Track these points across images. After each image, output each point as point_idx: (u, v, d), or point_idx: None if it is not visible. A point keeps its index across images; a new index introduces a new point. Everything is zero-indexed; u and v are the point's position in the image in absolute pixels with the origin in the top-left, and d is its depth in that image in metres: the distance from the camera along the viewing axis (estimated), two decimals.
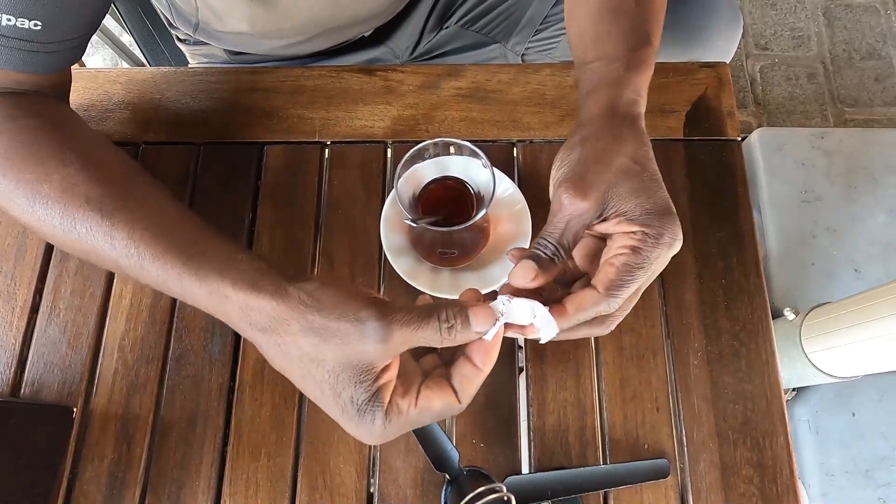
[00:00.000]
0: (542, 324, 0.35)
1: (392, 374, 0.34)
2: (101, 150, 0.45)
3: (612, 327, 0.39)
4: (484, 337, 0.34)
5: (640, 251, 0.36)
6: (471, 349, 0.34)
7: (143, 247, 0.39)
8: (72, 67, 0.49)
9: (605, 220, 0.37)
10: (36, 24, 0.41)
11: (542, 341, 0.36)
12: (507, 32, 0.76)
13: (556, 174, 0.40)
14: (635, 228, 0.36)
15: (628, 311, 0.38)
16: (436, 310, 0.33)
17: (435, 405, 0.34)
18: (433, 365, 0.37)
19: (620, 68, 0.42)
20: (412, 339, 0.33)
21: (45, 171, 0.41)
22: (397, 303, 0.35)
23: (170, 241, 0.39)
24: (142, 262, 0.39)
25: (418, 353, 0.37)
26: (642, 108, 0.42)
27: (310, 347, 0.34)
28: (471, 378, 0.34)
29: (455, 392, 0.34)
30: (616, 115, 0.40)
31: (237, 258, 0.38)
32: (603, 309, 0.36)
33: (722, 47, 0.70)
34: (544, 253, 0.37)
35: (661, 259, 0.36)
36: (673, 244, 0.36)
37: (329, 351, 0.33)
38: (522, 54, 0.77)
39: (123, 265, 0.40)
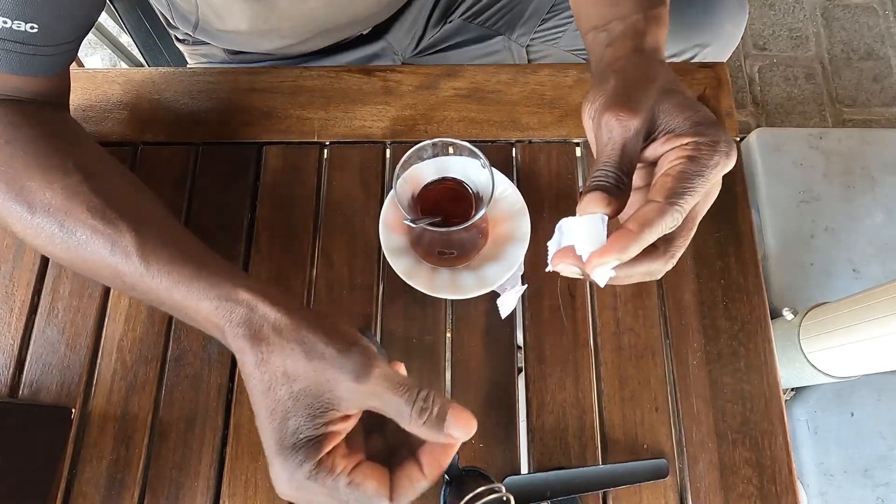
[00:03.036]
0: (598, 264, 0.33)
1: (344, 430, 0.33)
2: (103, 162, 0.45)
3: (674, 261, 0.36)
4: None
5: (697, 159, 0.33)
6: (422, 451, 0.33)
7: (149, 254, 0.39)
8: (70, 68, 0.49)
9: (653, 140, 0.36)
10: (32, 27, 0.41)
11: (601, 284, 0.34)
12: (511, 24, 0.76)
13: (592, 108, 0.37)
14: (687, 140, 0.34)
15: (688, 242, 0.36)
16: (420, 387, 0.33)
17: (368, 488, 0.32)
18: (378, 450, 0.35)
19: (640, 21, 0.41)
20: (383, 398, 0.32)
21: (47, 179, 0.41)
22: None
23: (176, 251, 0.39)
24: (145, 269, 0.39)
25: (368, 430, 0.36)
26: (664, 58, 0.40)
27: (290, 362, 0.34)
28: (412, 482, 0.33)
29: (391, 488, 0.32)
30: (644, 54, 0.40)
31: (243, 274, 0.39)
32: (667, 223, 0.33)
33: (730, 31, 0.70)
34: (608, 182, 0.34)
35: (718, 168, 0.34)
36: (730, 153, 0.34)
37: (305, 371, 0.33)
38: (527, 45, 0.77)
39: (123, 271, 0.39)
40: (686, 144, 0.34)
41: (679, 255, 0.36)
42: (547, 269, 0.35)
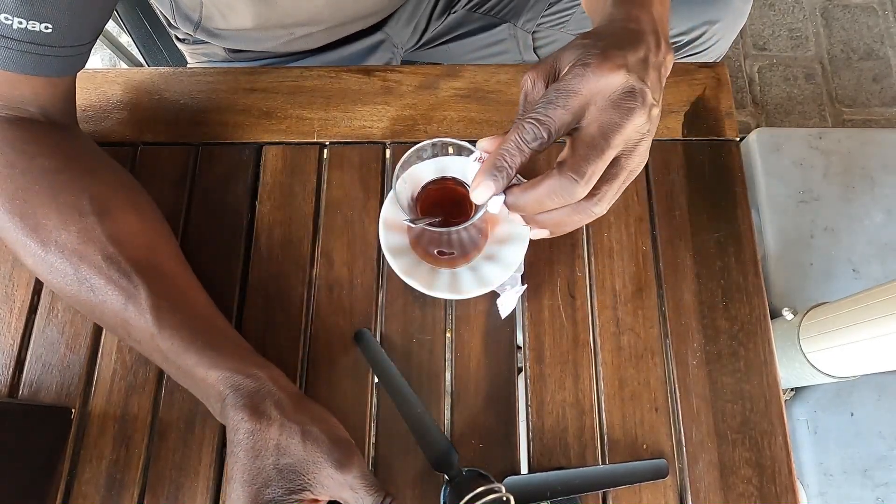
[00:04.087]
0: (476, 188, 0.35)
1: None
2: (118, 193, 0.45)
3: (602, 205, 0.35)
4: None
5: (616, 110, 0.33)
6: None
7: (163, 315, 0.40)
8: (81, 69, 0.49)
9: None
10: (47, 27, 0.40)
11: (492, 210, 0.36)
12: (517, 11, 0.75)
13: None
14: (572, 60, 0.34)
15: (615, 190, 0.34)
16: (389, 494, 0.37)
17: None
18: None
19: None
20: (357, 493, 0.37)
21: (62, 220, 0.41)
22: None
23: (189, 315, 0.42)
24: (157, 330, 0.40)
25: None
26: (645, 20, 0.38)
27: (285, 438, 0.37)
28: None
29: None
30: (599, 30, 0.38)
31: (253, 350, 0.43)
32: (525, 137, 0.33)
33: (739, 7, 0.70)
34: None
35: (588, 80, 0.32)
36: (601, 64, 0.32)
37: (297, 449, 0.37)
38: (533, 32, 0.76)
39: (134, 326, 0.41)
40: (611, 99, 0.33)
41: (607, 200, 0.35)
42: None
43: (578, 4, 0.72)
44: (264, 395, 0.39)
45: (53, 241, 0.41)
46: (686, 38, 0.70)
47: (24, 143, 0.43)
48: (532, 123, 0.33)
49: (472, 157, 0.38)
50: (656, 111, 0.34)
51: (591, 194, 0.34)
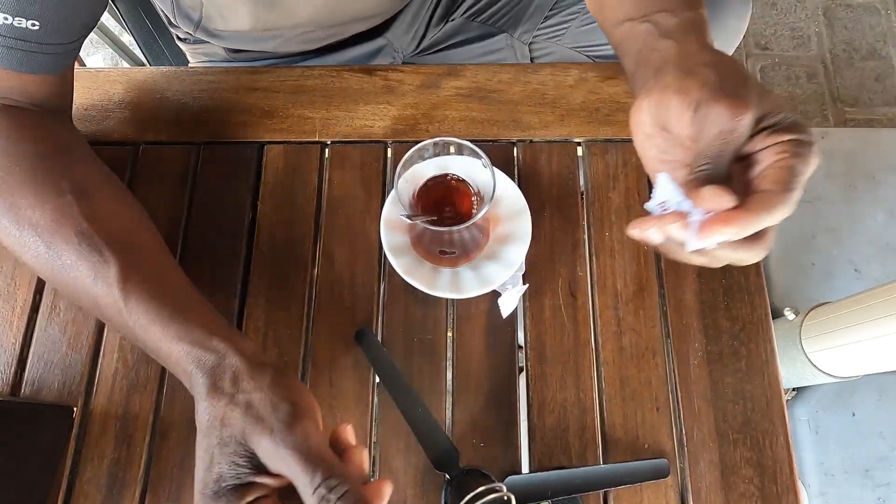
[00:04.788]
0: (712, 232, 0.34)
1: (270, 486, 0.34)
2: (100, 182, 0.45)
3: (766, 251, 0.36)
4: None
5: (802, 156, 0.34)
6: None
7: (130, 288, 0.39)
8: (73, 67, 0.49)
9: (755, 134, 0.35)
10: (34, 24, 0.41)
11: (690, 249, 0.35)
12: (514, 22, 0.76)
13: (678, 100, 0.36)
14: (791, 137, 0.34)
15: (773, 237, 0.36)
16: (334, 474, 0.31)
17: None
18: None
19: (697, 17, 0.40)
20: (291, 468, 0.32)
21: (39, 199, 0.41)
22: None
23: (159, 288, 0.39)
24: (123, 304, 0.38)
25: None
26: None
27: (229, 410, 0.34)
28: None
29: None
30: (718, 52, 0.38)
31: (222, 320, 0.40)
32: (783, 211, 0.33)
33: (734, 27, 0.69)
34: (709, 173, 0.35)
35: (812, 168, 0.34)
36: (817, 157, 0.35)
37: (236, 418, 0.34)
38: (530, 43, 0.77)
39: (103, 302, 0.39)
40: (790, 141, 0.34)
41: (768, 247, 0.36)
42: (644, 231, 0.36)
43: (574, 18, 0.73)
44: (224, 370, 0.36)
45: (28, 219, 0.40)
46: None
47: (10, 129, 0.43)
48: (793, 201, 0.34)
49: (658, 200, 0.37)
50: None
51: (760, 240, 0.35)
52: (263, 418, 0.33)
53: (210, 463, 0.33)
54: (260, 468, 0.33)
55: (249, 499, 0.33)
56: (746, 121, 0.34)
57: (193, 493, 0.34)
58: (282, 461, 0.32)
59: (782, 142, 0.35)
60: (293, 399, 0.35)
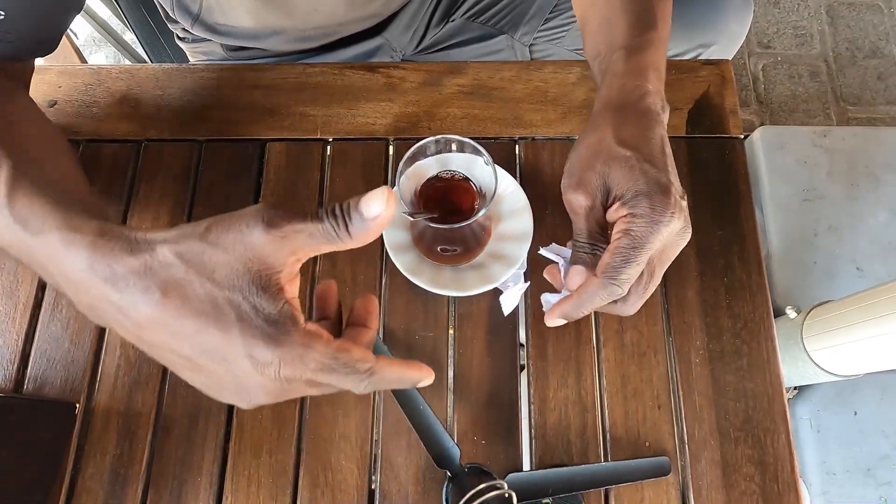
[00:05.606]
0: (549, 318, 0.41)
1: (293, 292, 0.29)
2: (26, 113, 0.43)
3: (635, 308, 0.39)
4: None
5: (629, 233, 0.36)
6: (351, 317, 0.33)
7: (18, 192, 0.32)
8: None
9: (610, 205, 0.38)
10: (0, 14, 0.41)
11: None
12: (514, 23, 0.76)
13: (563, 178, 0.41)
14: (625, 212, 0.37)
15: (650, 288, 0.39)
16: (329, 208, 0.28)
17: (355, 354, 0.29)
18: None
19: (621, 57, 0.42)
20: (301, 233, 0.27)
21: None
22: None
23: (50, 190, 0.33)
24: (9, 210, 0.32)
25: None
26: (651, 87, 0.41)
27: (197, 259, 0.27)
28: (365, 338, 0.32)
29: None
30: (614, 105, 0.41)
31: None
32: (610, 293, 0.37)
33: (735, 31, 0.70)
34: (584, 253, 0.39)
35: (656, 238, 0.36)
36: (667, 223, 0.36)
37: (218, 255, 0.27)
38: (530, 45, 0.77)
39: None
40: (624, 217, 0.37)
41: (642, 300, 0.39)
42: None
43: (575, 21, 0.73)
44: (125, 239, 0.28)
45: None
46: (682, 59, 0.70)
47: None
48: (615, 285, 0.36)
49: (547, 252, 0.42)
50: (686, 214, 0.38)
51: (625, 299, 0.39)
52: (247, 224, 0.27)
53: (232, 309, 0.27)
54: (278, 279, 0.28)
55: (302, 317, 0.28)
56: (585, 205, 0.39)
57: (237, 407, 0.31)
58: (291, 238, 0.27)
59: (620, 218, 0.37)
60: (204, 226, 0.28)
